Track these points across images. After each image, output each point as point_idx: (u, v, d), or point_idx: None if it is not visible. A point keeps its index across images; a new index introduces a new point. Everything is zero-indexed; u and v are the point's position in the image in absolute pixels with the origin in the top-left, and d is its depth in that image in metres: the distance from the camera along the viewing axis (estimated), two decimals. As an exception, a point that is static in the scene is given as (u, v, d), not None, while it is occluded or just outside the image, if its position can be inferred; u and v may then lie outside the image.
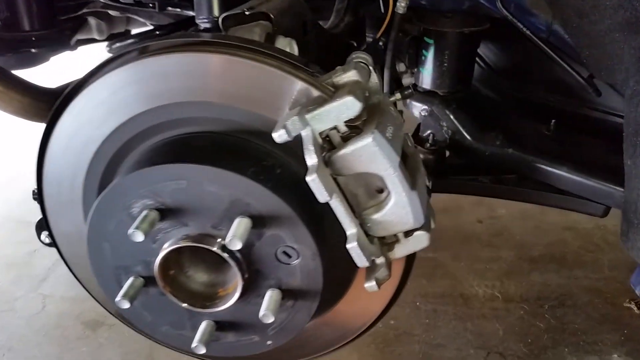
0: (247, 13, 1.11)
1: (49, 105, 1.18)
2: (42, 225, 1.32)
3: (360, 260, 0.99)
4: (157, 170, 0.99)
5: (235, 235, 0.94)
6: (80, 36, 2.15)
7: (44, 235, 1.34)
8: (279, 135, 0.92)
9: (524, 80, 1.83)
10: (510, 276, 2.64)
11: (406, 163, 1.09)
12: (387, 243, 1.09)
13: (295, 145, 0.94)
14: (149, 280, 1.12)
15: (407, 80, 2.00)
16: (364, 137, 0.94)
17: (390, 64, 1.62)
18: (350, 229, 1.00)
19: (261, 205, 0.99)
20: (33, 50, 1.89)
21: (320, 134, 0.99)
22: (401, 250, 1.09)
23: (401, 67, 1.99)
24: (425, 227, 1.08)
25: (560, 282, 2.58)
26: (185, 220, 1.03)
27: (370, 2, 1.63)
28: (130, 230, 0.98)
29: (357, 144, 0.95)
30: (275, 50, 1.02)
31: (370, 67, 1.11)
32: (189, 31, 1.32)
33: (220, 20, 1.11)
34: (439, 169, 1.69)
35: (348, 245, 0.98)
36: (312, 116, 0.96)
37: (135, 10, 1.86)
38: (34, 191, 1.28)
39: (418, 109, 1.72)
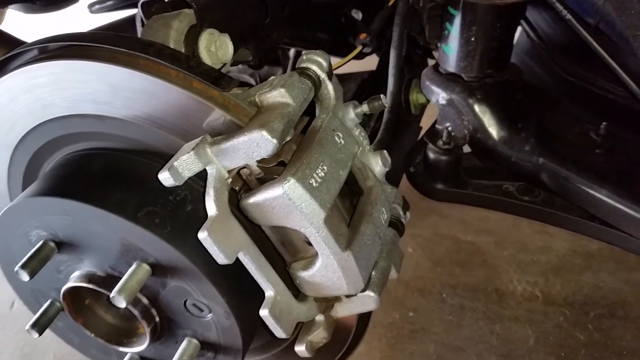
0: (165, 0, 0.88)
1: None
2: None
3: (277, 331, 0.79)
4: (41, 202, 0.83)
5: (119, 292, 0.77)
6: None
7: None
8: (165, 179, 0.72)
9: (580, 60, 1.45)
10: (558, 273, 2.31)
11: (357, 203, 0.86)
12: (326, 299, 0.88)
13: None
14: (67, 306, 1.00)
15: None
16: (275, 187, 0.72)
17: (398, 40, 1.33)
18: (267, 289, 0.80)
19: (157, 254, 0.80)
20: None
21: (232, 171, 0.78)
22: (343, 311, 0.88)
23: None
24: (373, 287, 0.86)
25: (615, 287, 2.22)
26: (82, 257, 0.87)
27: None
28: (15, 268, 0.84)
29: (267, 194, 0.73)
30: (170, 55, 0.78)
31: (322, 76, 0.85)
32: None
33: (139, 6, 0.89)
34: (453, 172, 1.40)
35: (260, 312, 0.78)
36: (216, 150, 0.74)
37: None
38: None
39: (436, 95, 1.40)
